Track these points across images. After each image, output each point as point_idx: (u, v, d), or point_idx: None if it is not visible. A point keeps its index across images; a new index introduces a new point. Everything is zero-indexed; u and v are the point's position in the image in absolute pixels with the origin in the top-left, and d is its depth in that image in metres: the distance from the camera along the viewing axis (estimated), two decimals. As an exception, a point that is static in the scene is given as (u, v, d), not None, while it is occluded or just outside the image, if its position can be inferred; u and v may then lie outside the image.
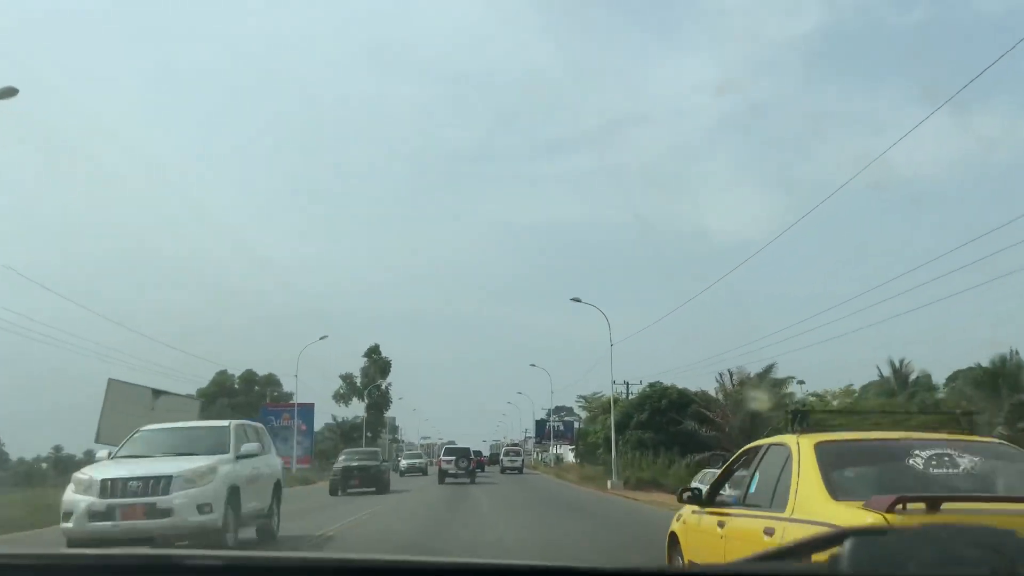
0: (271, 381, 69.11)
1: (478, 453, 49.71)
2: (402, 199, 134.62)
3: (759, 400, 26.90)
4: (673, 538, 6.78)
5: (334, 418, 73.94)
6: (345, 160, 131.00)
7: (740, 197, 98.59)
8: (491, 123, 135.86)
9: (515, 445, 72.71)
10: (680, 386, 39.38)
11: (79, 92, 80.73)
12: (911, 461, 4.51)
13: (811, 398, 29.88)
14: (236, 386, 70.42)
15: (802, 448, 4.71)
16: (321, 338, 46.70)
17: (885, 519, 3.61)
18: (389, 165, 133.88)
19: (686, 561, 6.30)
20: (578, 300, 35.60)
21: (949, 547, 1.27)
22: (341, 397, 72.21)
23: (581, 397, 74.43)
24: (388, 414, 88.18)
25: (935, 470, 4.42)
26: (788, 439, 5.15)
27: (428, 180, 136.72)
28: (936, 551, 1.25)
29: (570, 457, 71.11)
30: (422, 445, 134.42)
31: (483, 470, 48.32)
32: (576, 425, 73.70)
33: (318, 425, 76.14)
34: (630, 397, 42.81)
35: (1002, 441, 6.18)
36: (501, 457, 59.95)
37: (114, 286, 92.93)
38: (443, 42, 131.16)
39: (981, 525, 1.55)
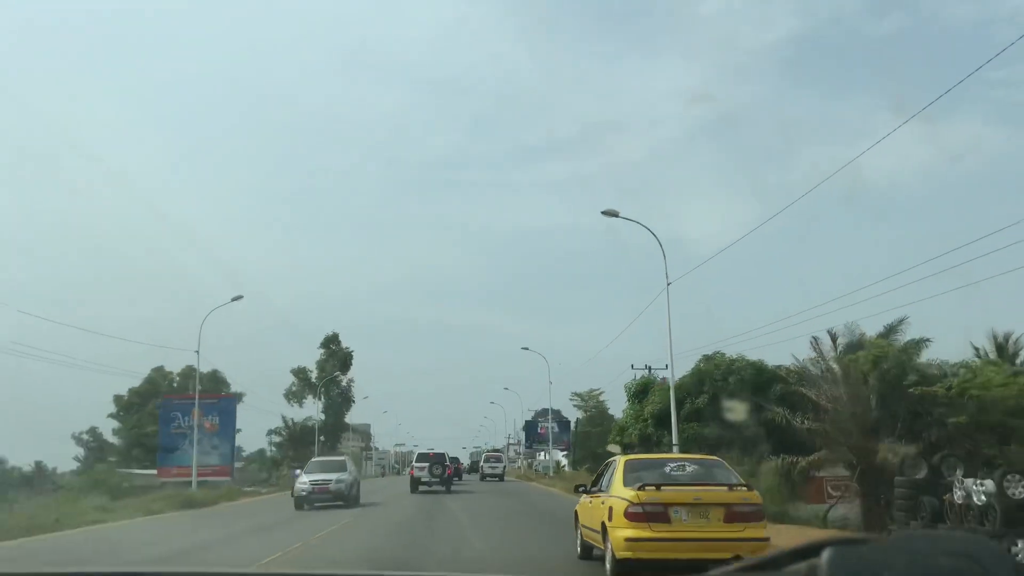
0: (216, 379, 57.24)
1: (455, 460, 48.45)
2: (378, 205, 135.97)
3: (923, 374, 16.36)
4: (575, 513, 13.11)
5: (285, 420, 62.00)
6: (320, 166, 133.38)
7: (714, 204, 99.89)
8: (468, 130, 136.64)
9: (496, 451, 70.23)
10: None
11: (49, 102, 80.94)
12: (664, 468, 10.94)
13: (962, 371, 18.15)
14: (175, 384, 58.76)
15: (620, 461, 11.54)
16: (234, 299, 35.12)
17: (638, 496, 9.70)
18: (365, 171, 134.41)
19: (580, 524, 12.56)
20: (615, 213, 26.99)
21: (925, 556, 1.31)
22: (293, 395, 60.35)
23: (576, 395, 66.42)
24: (361, 420, 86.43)
25: (673, 472, 10.77)
26: (618, 457, 12.50)
27: (404, 186, 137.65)
28: (912, 560, 1.30)
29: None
30: (396, 453, 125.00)
31: (460, 478, 47.59)
32: (573, 427, 62.59)
33: (265, 427, 64.62)
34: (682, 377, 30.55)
35: (717, 458, 12.48)
36: (481, 464, 59.50)
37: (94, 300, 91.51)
38: (420, 48, 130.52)
39: (958, 534, 1.67)
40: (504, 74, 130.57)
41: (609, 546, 10.15)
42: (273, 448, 64.06)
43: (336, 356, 64.54)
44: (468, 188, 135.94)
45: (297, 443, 59.14)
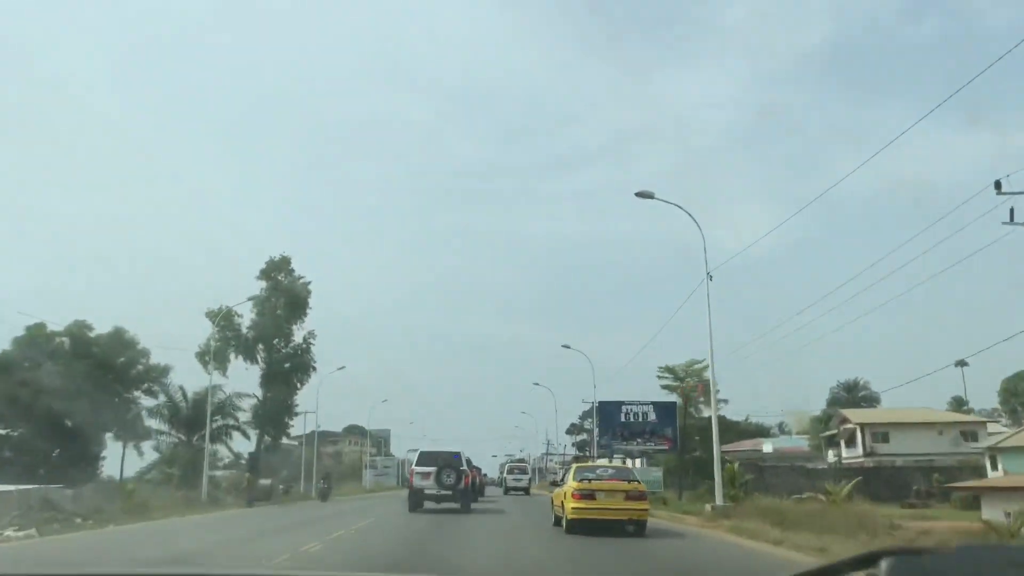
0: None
1: (476, 468, 38.09)
2: (408, 214, 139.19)
3: None
4: (551, 499, 23.71)
5: (184, 392, 35.11)
6: (351, 175, 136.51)
7: (748, 212, 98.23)
8: (499, 140, 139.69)
9: (520, 462, 67.96)
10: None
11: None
12: (597, 471, 21.22)
13: None
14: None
15: (573, 467, 23.22)
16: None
17: (579, 486, 18.71)
18: (395, 180, 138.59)
19: (553, 504, 22.51)
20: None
21: (984, 567, 1.32)
22: (214, 357, 33.66)
23: (667, 370, 46.63)
24: (381, 426, 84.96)
25: (600, 473, 20.70)
26: (573, 464, 28.14)
27: (434, 195, 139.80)
28: (978, 572, 1.31)
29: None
30: (408, 462, 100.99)
31: (483, 493, 42.05)
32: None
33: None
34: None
35: (626, 466, 33.52)
36: (504, 475, 58.01)
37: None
38: (451, 59, 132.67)
39: (1017, 545, 1.74)
40: (534, 85, 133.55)
41: (564, 512, 19.46)
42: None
43: (284, 292, 37.89)
44: (498, 197, 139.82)
45: (189, 427, 32.66)
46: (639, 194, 25.46)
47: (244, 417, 39.67)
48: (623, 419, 39.42)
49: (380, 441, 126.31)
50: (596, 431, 39.81)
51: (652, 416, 38.80)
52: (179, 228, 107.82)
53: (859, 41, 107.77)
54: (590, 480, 19.26)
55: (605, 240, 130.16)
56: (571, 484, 19.19)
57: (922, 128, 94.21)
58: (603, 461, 35.53)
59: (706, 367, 49.45)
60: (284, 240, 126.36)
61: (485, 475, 58.34)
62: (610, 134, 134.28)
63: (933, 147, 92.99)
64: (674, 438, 39.05)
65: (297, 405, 42.97)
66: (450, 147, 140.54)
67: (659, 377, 50.48)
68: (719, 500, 24.43)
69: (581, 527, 18.12)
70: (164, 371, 39.43)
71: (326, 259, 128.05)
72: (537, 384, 70.21)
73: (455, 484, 24.95)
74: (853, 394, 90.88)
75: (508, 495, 47.02)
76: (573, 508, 18.47)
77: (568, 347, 50.19)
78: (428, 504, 25.58)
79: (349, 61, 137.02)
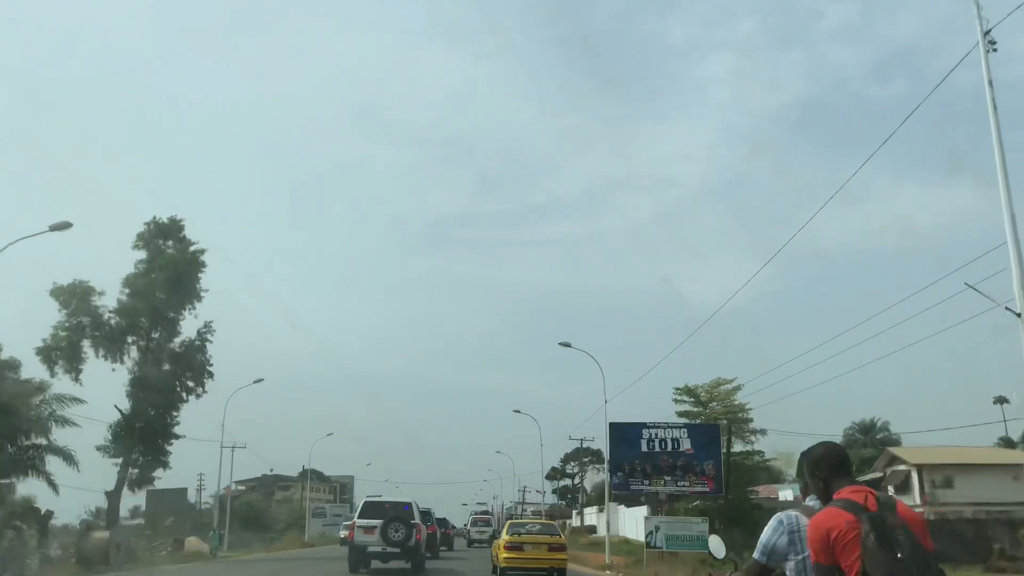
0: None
1: (435, 519, 37.52)
2: (382, 260, 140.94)
3: None
4: (492, 551, 26.71)
5: None
6: (327, 221, 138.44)
7: (722, 263, 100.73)
8: (475, 188, 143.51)
9: (484, 513, 65.85)
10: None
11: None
12: (526, 526, 24.96)
13: None
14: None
15: (507, 523, 28.43)
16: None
17: (510, 539, 22.57)
18: (371, 226, 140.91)
19: (492, 554, 25.81)
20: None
21: None
22: (59, 353, 21.36)
23: (684, 391, 39.14)
24: (344, 472, 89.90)
25: (528, 527, 24.39)
26: (507, 522, 32.37)
27: (409, 243, 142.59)
28: None
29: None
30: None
31: (451, 547, 42.75)
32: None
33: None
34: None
35: (551, 522, 31.48)
36: (468, 527, 58.11)
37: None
38: (430, 107, 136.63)
39: None
40: (511, 134, 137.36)
41: (498, 562, 22.67)
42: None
43: (169, 265, 26.26)
44: (474, 246, 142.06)
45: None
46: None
47: (91, 437, 27.57)
48: (645, 448, 27.98)
49: (337, 487, 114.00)
50: (607, 464, 28.34)
51: (686, 444, 27.39)
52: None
53: (830, 99, 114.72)
54: (520, 534, 22.88)
55: (582, 289, 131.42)
56: (504, 537, 22.95)
57: (906, 178, 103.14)
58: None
59: (736, 388, 38.77)
60: (252, 289, 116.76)
61: (453, 527, 54.44)
62: (586, 184, 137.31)
63: (916, 195, 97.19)
64: (717, 476, 27.73)
65: (178, 423, 30.21)
66: (425, 194, 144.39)
67: (676, 401, 39.57)
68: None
69: (512, 574, 22.20)
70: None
71: (301, 302, 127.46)
72: (518, 411, 59.81)
73: (404, 540, 22.60)
74: (870, 436, 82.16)
75: (472, 547, 47.22)
76: (504, 558, 22.00)
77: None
78: (375, 563, 23.51)
79: (325, 106, 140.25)
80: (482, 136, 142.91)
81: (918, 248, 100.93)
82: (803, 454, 3.87)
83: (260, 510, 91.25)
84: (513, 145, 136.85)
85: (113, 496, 28.15)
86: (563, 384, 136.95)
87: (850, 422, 79.70)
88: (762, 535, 3.91)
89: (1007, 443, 65.33)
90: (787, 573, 3.79)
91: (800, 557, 3.68)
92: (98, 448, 28.55)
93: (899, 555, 3.01)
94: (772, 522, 3.91)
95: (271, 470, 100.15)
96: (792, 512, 3.87)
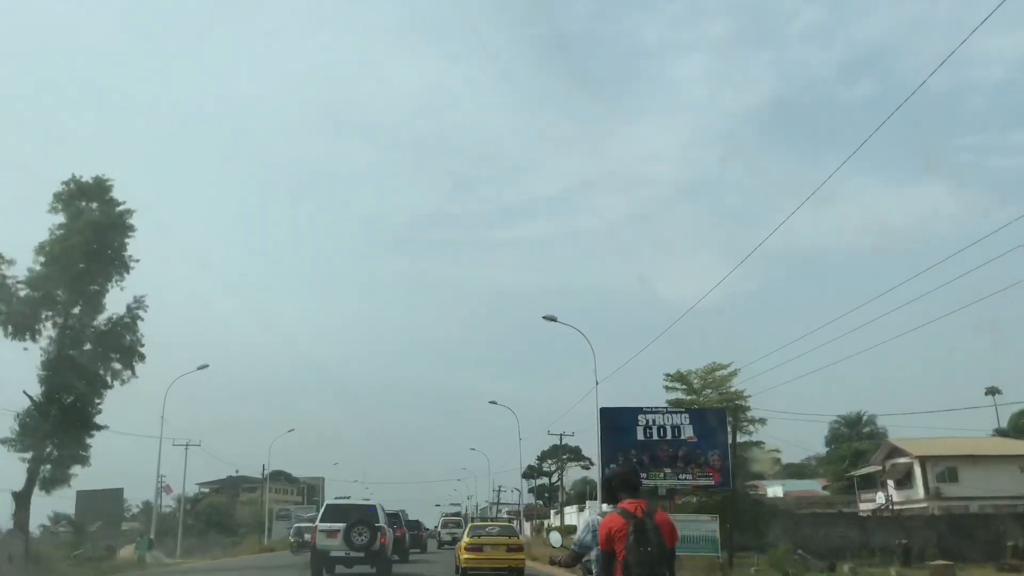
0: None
1: (413, 523, 42.96)
2: (355, 261, 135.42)
3: None
4: (455, 553, 27.06)
5: None
6: (299, 221, 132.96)
7: (695, 263, 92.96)
8: (449, 187, 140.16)
9: (455, 515, 68.27)
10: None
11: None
12: (486, 528, 26.45)
13: None
14: None
15: (468, 526, 30.99)
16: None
17: (470, 540, 24.18)
18: (342, 227, 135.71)
19: (456, 555, 26.43)
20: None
21: None
22: None
23: (675, 378, 36.68)
24: (314, 473, 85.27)
25: (487, 529, 25.75)
26: (469, 524, 34.10)
27: (382, 243, 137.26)
28: None
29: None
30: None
31: (424, 549, 45.37)
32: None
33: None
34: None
35: (511, 525, 33.49)
36: (439, 529, 56.81)
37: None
38: (403, 107, 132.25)
39: None
40: (485, 134, 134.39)
41: (460, 563, 23.84)
42: None
43: (88, 225, 22.38)
44: (447, 247, 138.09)
45: None
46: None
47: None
48: (641, 436, 24.57)
49: (305, 488, 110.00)
50: (599, 452, 24.88)
51: (688, 431, 23.99)
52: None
53: (801, 99, 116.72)
54: (480, 536, 24.35)
55: (557, 289, 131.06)
56: (465, 539, 24.56)
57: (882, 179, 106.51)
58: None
59: (733, 374, 35.59)
60: (225, 292, 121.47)
61: (426, 528, 55.59)
62: (561, 184, 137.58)
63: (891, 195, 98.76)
64: (724, 467, 24.39)
65: (100, 411, 26.09)
66: (399, 193, 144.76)
67: (667, 388, 36.33)
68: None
69: (472, 574, 23.37)
70: None
71: (273, 304, 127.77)
72: (494, 403, 57.29)
73: (368, 544, 22.22)
74: (856, 429, 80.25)
75: (443, 548, 47.32)
76: (465, 559, 23.41)
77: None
78: (339, 568, 23.26)
79: (296, 105, 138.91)
80: (456, 136, 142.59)
81: (892, 248, 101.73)
82: (604, 474, 8.46)
83: (224, 512, 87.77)
84: (487, 145, 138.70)
85: (21, 498, 24.26)
86: (538, 384, 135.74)
87: (835, 415, 77.96)
88: (576, 533, 7.02)
89: (1002, 434, 63.42)
90: (591, 556, 6.21)
91: (596, 547, 5.49)
92: (3, 441, 24.96)
93: (648, 548, 4.67)
94: (581, 524, 10.42)
95: (236, 471, 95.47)
96: (597, 517, 5.80)
